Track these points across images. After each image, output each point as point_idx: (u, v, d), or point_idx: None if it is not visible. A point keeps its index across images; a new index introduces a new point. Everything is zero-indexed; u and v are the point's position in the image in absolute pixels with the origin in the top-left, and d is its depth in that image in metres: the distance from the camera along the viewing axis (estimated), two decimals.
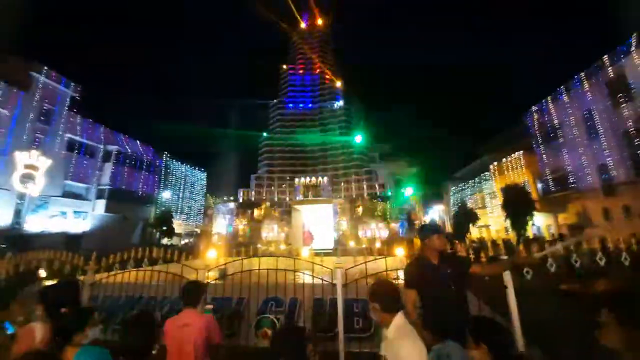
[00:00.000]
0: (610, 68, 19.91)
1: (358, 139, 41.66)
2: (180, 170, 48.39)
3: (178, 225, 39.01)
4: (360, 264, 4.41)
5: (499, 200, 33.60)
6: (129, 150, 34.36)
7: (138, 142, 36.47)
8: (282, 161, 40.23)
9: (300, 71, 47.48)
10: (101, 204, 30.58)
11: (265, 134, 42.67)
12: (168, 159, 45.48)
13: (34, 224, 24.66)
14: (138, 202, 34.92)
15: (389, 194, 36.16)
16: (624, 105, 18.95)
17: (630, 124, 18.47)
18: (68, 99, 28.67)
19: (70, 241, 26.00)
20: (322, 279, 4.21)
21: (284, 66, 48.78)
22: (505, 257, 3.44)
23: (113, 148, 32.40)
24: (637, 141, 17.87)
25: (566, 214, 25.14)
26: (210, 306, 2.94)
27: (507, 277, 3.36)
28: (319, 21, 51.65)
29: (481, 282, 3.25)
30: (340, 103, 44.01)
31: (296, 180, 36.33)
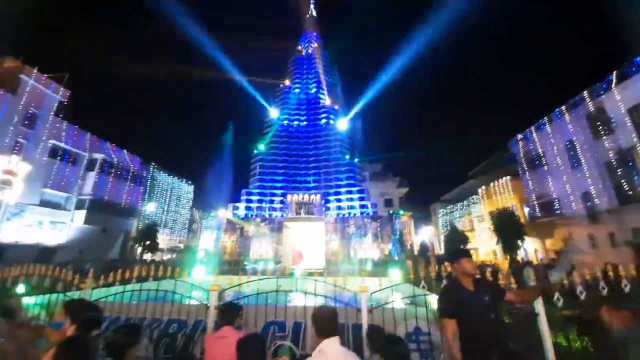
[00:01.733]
0: (590, 102, 21.14)
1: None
2: (166, 182, 47.05)
3: (161, 239, 37.34)
4: (385, 288, 4.16)
5: (487, 223, 34.08)
6: (115, 160, 33.24)
7: (125, 151, 35.43)
8: (275, 177, 39.84)
9: (297, 89, 48.23)
10: (80, 214, 28.96)
11: (257, 150, 42.49)
12: (155, 169, 44.26)
13: (7, 233, 23.02)
14: (120, 214, 33.35)
15: (380, 213, 36.17)
16: (604, 137, 19.98)
17: (612, 154, 19.40)
18: (55, 104, 27.82)
19: (43, 253, 24.33)
20: (346, 304, 3.93)
21: (284, 83, 49.45)
22: (533, 284, 3.29)
23: (99, 156, 31.26)
24: (619, 171, 18.71)
25: (553, 240, 25.64)
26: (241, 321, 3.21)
27: (539, 304, 3.18)
28: (316, 44, 53.43)
29: (513, 310, 3.07)
30: (336, 122, 44.68)
31: (288, 196, 35.87)
